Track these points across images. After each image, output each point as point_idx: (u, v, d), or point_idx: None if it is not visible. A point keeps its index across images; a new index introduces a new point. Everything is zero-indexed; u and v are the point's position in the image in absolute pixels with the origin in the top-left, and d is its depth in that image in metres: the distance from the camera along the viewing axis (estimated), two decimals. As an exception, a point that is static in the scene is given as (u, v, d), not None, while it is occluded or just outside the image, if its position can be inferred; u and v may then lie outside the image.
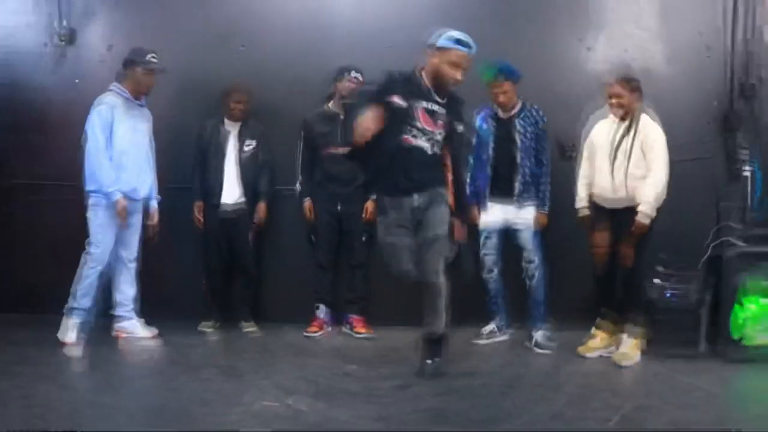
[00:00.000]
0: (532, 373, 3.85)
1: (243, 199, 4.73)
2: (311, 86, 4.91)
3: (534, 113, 4.47)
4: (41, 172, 5.03)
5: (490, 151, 4.48)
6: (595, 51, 4.96)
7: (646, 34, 4.99)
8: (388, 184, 3.65)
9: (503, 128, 4.46)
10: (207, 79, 4.95)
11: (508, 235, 4.51)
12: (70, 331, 4.25)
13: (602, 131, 4.16)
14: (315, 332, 4.64)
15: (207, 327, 4.71)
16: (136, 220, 4.51)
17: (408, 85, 3.59)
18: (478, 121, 4.52)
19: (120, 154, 4.33)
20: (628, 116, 4.06)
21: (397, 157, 3.56)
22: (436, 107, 3.63)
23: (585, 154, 4.27)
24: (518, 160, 4.40)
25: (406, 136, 3.56)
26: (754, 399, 3.54)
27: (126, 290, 4.49)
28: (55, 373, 3.73)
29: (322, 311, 4.73)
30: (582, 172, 4.29)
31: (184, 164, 4.88)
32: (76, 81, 5.06)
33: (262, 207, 4.76)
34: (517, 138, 4.41)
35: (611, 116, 4.12)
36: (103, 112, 4.29)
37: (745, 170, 4.87)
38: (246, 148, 4.72)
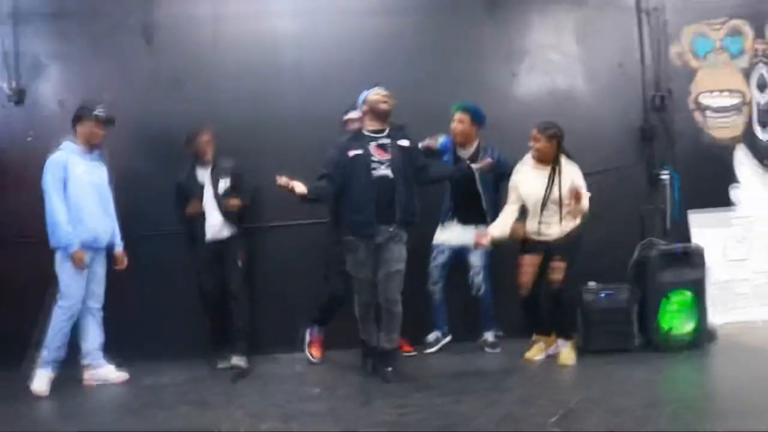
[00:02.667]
0: (482, 380, 4.15)
1: (225, 233, 4.82)
2: (261, 131, 5.16)
3: (490, 156, 4.66)
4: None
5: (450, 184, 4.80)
6: (519, 77, 5.38)
7: (566, 57, 5.44)
8: (357, 222, 4.16)
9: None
10: (158, 127, 5.14)
11: (458, 252, 4.84)
12: (42, 382, 4.32)
13: (530, 176, 4.45)
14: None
15: (225, 364, 4.76)
16: (101, 270, 4.63)
17: (355, 140, 4.23)
18: (442, 139, 4.82)
19: (77, 206, 4.43)
20: (545, 161, 4.41)
21: (367, 190, 4.12)
22: (383, 140, 4.22)
23: (513, 197, 4.50)
24: (482, 198, 4.72)
25: (371, 171, 4.14)
26: (683, 380, 3.95)
27: (94, 339, 4.58)
28: (34, 425, 3.82)
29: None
30: (507, 213, 4.50)
31: (141, 211, 5.04)
32: (29, 138, 5.16)
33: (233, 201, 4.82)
34: (479, 187, 4.69)
35: (531, 160, 4.47)
36: (54, 170, 4.40)
37: (662, 176, 5.34)
38: (221, 191, 4.82)
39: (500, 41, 5.40)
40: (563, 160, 4.41)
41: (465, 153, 4.80)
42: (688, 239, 5.29)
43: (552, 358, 4.52)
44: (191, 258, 4.89)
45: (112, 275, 4.71)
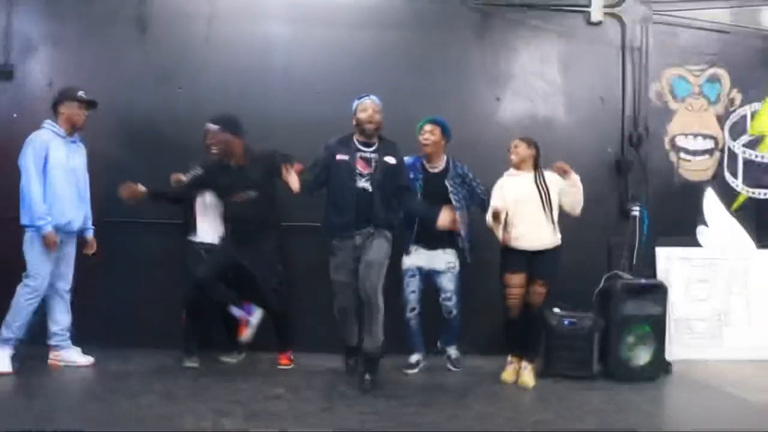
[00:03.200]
0: (445, 395, 4.24)
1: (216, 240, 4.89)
2: (246, 129, 5.19)
3: (459, 170, 4.80)
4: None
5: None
6: (502, 101, 5.52)
7: (550, 86, 5.59)
8: (337, 224, 4.25)
9: (432, 183, 4.76)
10: (145, 118, 5.18)
11: (428, 275, 4.83)
12: (3, 361, 4.33)
13: (514, 183, 4.58)
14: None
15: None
16: (71, 252, 4.65)
17: (344, 146, 4.31)
18: (410, 160, 4.80)
19: (54, 188, 4.45)
20: (524, 166, 4.58)
21: (350, 203, 4.21)
22: (368, 154, 4.29)
23: (497, 198, 4.59)
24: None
25: (353, 181, 4.22)
26: (632, 409, 4.06)
27: (61, 320, 4.61)
28: (-4, 402, 3.84)
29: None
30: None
31: (115, 199, 4.95)
32: (15, 115, 5.16)
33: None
34: (452, 199, 4.70)
35: (512, 169, 4.63)
36: (37, 148, 4.42)
37: (633, 210, 5.51)
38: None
39: (487, 64, 5.53)
40: (545, 171, 4.59)
41: (435, 168, 4.81)
42: (653, 274, 5.46)
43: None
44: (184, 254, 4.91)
45: (87, 260, 4.73)
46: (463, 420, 3.70)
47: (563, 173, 4.50)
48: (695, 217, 5.68)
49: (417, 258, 4.80)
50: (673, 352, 5.23)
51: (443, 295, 4.77)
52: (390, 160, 4.32)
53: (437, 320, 4.87)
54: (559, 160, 5.03)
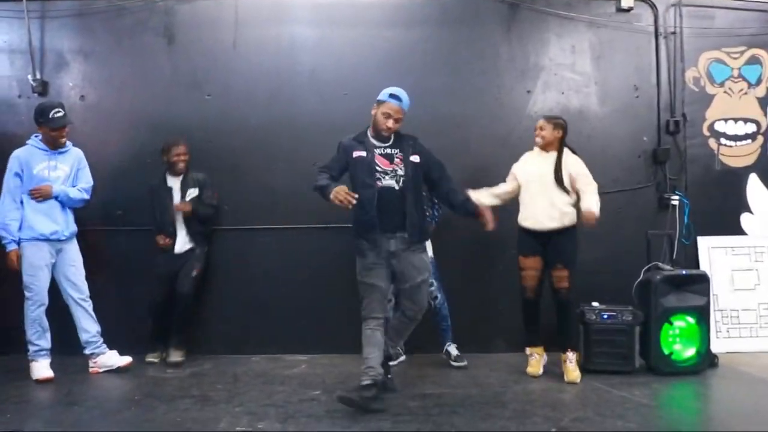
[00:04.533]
0: (480, 393, 4.17)
1: (190, 245, 5.00)
2: (274, 133, 5.27)
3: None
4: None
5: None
6: (534, 93, 5.42)
7: (581, 77, 5.47)
8: (365, 226, 3.98)
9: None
10: (176, 126, 5.22)
11: None
12: (42, 369, 4.46)
13: (530, 163, 4.59)
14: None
15: (153, 358, 4.96)
16: (72, 258, 4.65)
17: (360, 143, 4.08)
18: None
19: (33, 202, 4.52)
20: (549, 148, 4.54)
21: (371, 199, 3.93)
22: (388, 150, 4.05)
23: (509, 179, 4.68)
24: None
25: (376, 180, 3.97)
26: (677, 406, 3.94)
27: (89, 328, 4.65)
28: (37, 411, 3.94)
29: None
30: (502, 188, 4.67)
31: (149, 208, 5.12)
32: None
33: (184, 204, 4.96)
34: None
35: (536, 148, 4.60)
36: (12, 165, 4.53)
37: (673, 199, 5.36)
38: (188, 199, 4.98)
39: (516, 57, 5.44)
40: (567, 150, 4.55)
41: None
42: (696, 265, 5.31)
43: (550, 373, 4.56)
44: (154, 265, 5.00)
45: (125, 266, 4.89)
46: (498, 419, 3.63)
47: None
48: (738, 204, 5.50)
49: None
50: (719, 344, 5.07)
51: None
52: (415, 158, 4.06)
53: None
54: (594, 153, 4.97)
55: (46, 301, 4.54)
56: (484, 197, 4.54)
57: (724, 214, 5.46)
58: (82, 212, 4.84)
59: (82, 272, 4.70)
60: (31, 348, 4.50)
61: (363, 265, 4.02)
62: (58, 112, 4.56)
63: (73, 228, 4.70)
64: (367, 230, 3.99)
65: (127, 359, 4.72)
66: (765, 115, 5.57)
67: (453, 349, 4.88)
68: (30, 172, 4.54)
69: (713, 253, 5.39)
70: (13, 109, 5.31)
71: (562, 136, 4.58)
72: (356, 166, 4.04)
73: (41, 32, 5.32)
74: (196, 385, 4.36)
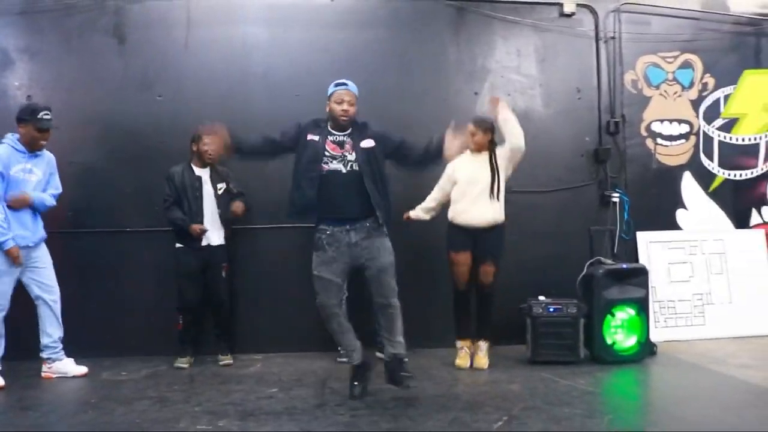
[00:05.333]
0: (433, 386, 4.30)
1: (219, 242, 4.98)
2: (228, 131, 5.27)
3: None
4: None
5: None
6: (481, 96, 5.58)
7: (526, 80, 5.68)
8: (301, 209, 3.98)
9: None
10: (126, 127, 5.21)
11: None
12: (-7, 377, 4.38)
13: (465, 164, 4.73)
14: None
15: (183, 363, 4.91)
16: (42, 261, 4.59)
17: (316, 127, 4.10)
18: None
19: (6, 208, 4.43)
20: (482, 149, 4.73)
21: (319, 185, 3.94)
22: (341, 138, 4.06)
23: (443, 181, 4.84)
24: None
25: (321, 164, 3.97)
26: (619, 392, 4.16)
27: (52, 332, 4.61)
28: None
29: None
30: (435, 195, 4.88)
31: (106, 209, 5.14)
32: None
33: (239, 204, 4.98)
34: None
35: (468, 151, 4.71)
36: None
37: (614, 197, 5.61)
38: (219, 191, 4.97)
39: (464, 60, 5.61)
40: (497, 149, 4.75)
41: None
42: (636, 259, 5.58)
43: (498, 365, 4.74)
44: (175, 262, 4.96)
45: (75, 270, 4.76)
46: (451, 410, 3.77)
47: (494, 108, 4.66)
48: (674, 201, 5.81)
49: None
50: (657, 333, 5.35)
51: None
52: (367, 143, 4.03)
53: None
54: (539, 152, 5.16)
55: (8, 308, 4.45)
56: (422, 214, 4.87)
57: (661, 211, 5.77)
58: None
59: (53, 274, 4.64)
60: None
61: (321, 260, 3.98)
62: (47, 114, 4.50)
63: (42, 234, 4.62)
64: (303, 212, 3.98)
65: (83, 369, 4.66)
66: (697, 116, 5.89)
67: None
68: (7, 173, 4.43)
69: (651, 247, 5.68)
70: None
71: (492, 137, 4.75)
72: (306, 148, 4.01)
73: (-15, 31, 5.21)
74: (153, 386, 4.36)
